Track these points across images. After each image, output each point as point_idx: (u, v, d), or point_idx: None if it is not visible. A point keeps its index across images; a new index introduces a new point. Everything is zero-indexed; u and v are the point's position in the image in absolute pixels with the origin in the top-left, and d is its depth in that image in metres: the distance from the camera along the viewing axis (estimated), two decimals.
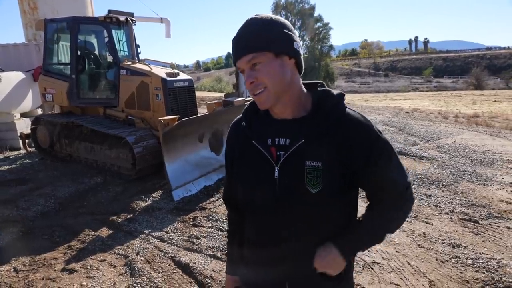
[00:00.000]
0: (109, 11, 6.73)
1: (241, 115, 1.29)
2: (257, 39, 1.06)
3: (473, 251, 3.52)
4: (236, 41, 1.10)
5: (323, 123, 1.10)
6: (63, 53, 7.54)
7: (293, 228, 1.15)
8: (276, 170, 1.13)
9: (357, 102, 20.43)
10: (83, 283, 3.20)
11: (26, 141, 7.95)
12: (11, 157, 7.90)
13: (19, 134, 8.08)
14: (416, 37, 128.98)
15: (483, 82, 50.35)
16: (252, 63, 1.06)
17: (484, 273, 3.18)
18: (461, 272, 3.19)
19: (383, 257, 3.45)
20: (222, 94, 7.42)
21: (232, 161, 1.29)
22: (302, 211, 1.13)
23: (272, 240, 1.19)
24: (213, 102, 5.96)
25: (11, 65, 9.36)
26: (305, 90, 1.18)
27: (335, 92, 1.17)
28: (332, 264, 1.15)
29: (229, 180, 1.36)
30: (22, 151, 8.21)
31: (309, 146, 1.10)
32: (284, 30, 1.09)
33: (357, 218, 1.25)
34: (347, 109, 1.14)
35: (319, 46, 55.30)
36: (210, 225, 4.24)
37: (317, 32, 54.56)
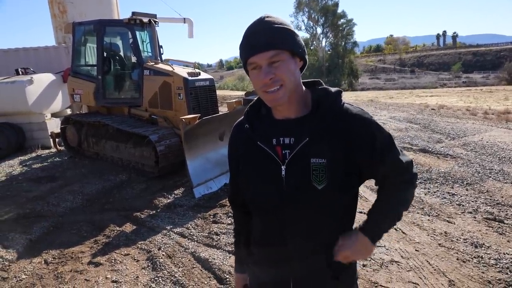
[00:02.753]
0: (133, 13, 6.92)
1: (242, 117, 1.31)
2: (279, 37, 1.08)
3: (496, 251, 3.43)
4: (253, 36, 1.09)
5: (324, 120, 1.14)
6: (90, 55, 7.83)
7: (298, 226, 1.19)
8: (283, 169, 1.16)
9: (382, 99, 20.01)
10: (107, 276, 3.35)
11: (56, 140, 8.32)
12: (43, 155, 8.27)
13: (49, 134, 8.45)
14: (444, 32, 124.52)
15: None
16: (272, 60, 1.07)
17: (507, 273, 3.10)
18: (482, 272, 3.13)
19: (402, 256, 3.42)
20: (244, 93, 7.51)
21: (236, 163, 1.32)
22: (308, 209, 1.16)
23: (278, 239, 1.22)
24: (233, 100, 6.03)
25: (42, 67, 9.76)
26: (304, 89, 1.21)
27: (333, 89, 1.21)
28: (362, 250, 1.21)
29: (234, 181, 1.40)
30: (53, 150, 8.58)
31: (314, 144, 1.13)
32: (297, 33, 1.14)
33: (374, 203, 1.29)
34: (345, 104, 1.18)
35: (343, 43, 54.46)
36: (229, 221, 4.32)
37: (340, 28, 53.77)
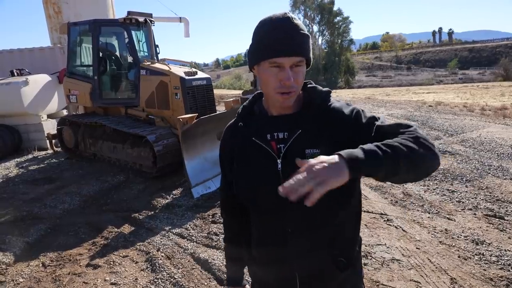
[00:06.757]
0: (129, 13, 6.86)
1: (232, 121, 1.35)
2: (306, 45, 1.12)
3: (497, 248, 3.42)
4: (285, 38, 1.09)
5: (315, 114, 1.18)
6: (86, 55, 7.76)
7: (299, 222, 1.17)
8: (279, 163, 1.16)
9: (378, 97, 20.02)
10: (106, 278, 3.31)
11: (53, 141, 8.25)
12: (39, 157, 8.21)
13: (46, 135, 8.38)
14: (440, 28, 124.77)
15: None
16: (296, 64, 1.11)
17: (509, 270, 3.08)
18: (484, 270, 3.11)
19: (403, 254, 3.40)
20: (241, 92, 7.55)
21: (230, 164, 1.31)
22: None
23: (279, 236, 1.20)
24: (231, 99, 6.00)
25: (38, 68, 9.68)
26: None
27: (323, 89, 1.26)
28: (331, 170, 0.91)
29: (226, 185, 1.38)
30: (49, 151, 8.51)
31: (306, 136, 1.15)
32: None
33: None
34: (333, 101, 1.22)
35: (339, 41, 54.56)
36: None
37: (336, 26, 53.81)
